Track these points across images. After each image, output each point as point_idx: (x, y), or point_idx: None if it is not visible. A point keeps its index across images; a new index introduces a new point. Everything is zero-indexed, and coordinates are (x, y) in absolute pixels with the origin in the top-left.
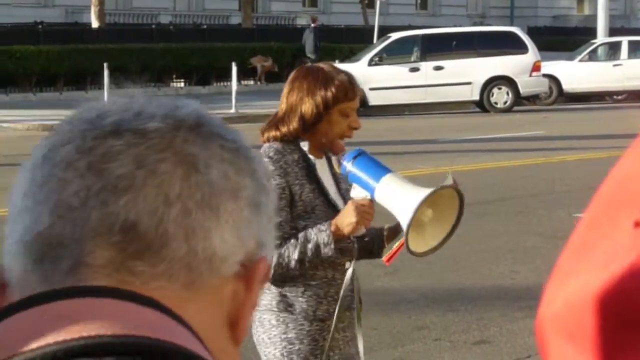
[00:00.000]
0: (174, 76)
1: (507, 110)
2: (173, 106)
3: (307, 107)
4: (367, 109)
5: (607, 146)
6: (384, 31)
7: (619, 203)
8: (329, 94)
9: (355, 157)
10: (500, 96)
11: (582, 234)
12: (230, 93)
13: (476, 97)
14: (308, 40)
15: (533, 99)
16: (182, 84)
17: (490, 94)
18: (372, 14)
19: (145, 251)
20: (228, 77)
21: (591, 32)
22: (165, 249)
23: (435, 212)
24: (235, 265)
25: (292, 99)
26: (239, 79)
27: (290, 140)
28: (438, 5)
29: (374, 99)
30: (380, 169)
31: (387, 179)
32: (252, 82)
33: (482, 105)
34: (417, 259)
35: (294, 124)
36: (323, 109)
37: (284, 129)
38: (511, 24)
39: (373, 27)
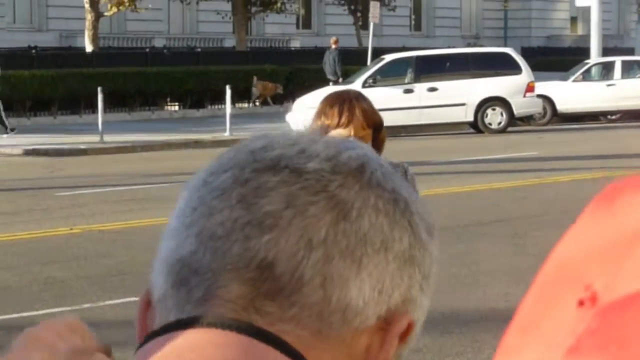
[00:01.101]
0: (169, 100)
1: (502, 131)
2: (340, 148)
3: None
4: None
5: (601, 166)
6: (378, 53)
7: (565, 280)
8: (319, 122)
9: None
10: (495, 117)
11: (528, 309)
12: (224, 116)
13: (470, 118)
14: (328, 62)
15: (527, 119)
16: (177, 108)
17: (485, 115)
18: (366, 36)
19: (278, 293)
20: (222, 100)
21: (585, 52)
22: (298, 293)
23: None
24: (372, 318)
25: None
26: (233, 102)
27: None
28: (432, 27)
29: None
30: None
31: None
32: (246, 105)
33: (477, 126)
34: None
35: None
36: None
37: None
38: (505, 45)
39: (367, 48)
